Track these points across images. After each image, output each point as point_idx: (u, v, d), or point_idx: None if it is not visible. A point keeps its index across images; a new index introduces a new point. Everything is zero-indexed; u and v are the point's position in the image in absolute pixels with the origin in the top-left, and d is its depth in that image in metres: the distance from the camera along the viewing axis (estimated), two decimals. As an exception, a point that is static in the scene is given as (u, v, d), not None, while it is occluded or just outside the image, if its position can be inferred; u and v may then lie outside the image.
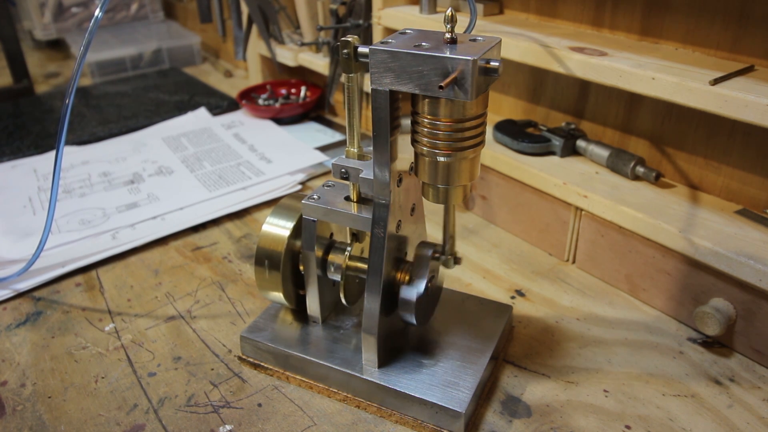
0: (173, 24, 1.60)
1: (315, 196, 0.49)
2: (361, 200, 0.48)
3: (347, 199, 0.49)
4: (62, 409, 0.49)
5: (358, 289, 0.54)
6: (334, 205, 0.48)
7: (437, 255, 0.49)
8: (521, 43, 0.62)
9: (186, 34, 1.48)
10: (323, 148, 0.94)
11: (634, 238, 0.58)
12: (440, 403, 0.45)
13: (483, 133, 0.42)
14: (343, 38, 0.42)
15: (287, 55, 1.06)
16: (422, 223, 0.52)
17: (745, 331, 0.52)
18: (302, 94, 1.10)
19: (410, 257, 0.51)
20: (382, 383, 0.47)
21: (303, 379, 0.51)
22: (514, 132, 0.71)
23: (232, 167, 0.89)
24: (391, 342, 0.50)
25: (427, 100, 0.40)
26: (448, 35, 0.39)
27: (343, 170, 0.47)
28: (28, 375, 0.53)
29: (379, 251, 0.45)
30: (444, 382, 0.47)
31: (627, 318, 0.58)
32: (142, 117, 1.08)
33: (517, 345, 0.55)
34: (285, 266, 0.51)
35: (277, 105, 1.08)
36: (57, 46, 1.66)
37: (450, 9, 0.39)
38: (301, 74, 1.15)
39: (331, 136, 1.00)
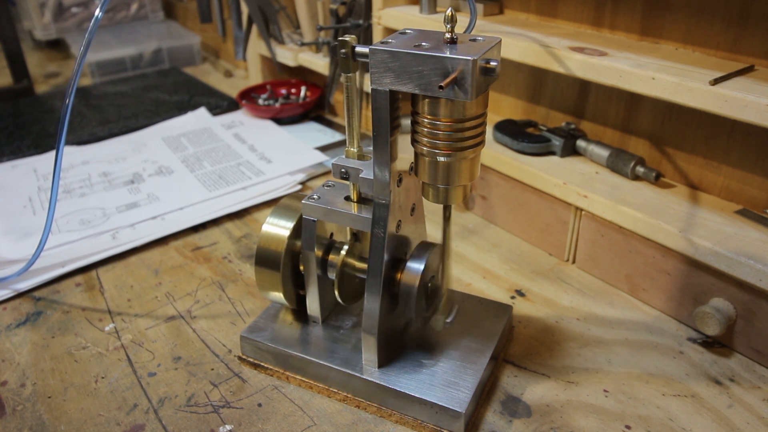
0: (173, 24, 1.60)
1: (315, 196, 0.49)
2: (361, 200, 0.48)
3: (347, 199, 0.49)
4: (62, 409, 0.49)
5: (358, 288, 0.54)
6: (334, 205, 0.48)
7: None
8: (521, 43, 0.62)
9: (186, 34, 1.48)
10: (323, 148, 0.94)
11: (634, 238, 0.58)
12: (440, 403, 0.45)
13: (483, 133, 0.42)
14: (340, 38, 0.42)
15: (287, 55, 1.06)
16: (422, 223, 0.52)
17: (745, 331, 0.52)
18: (302, 94, 1.10)
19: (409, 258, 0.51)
20: (382, 383, 0.47)
21: (303, 379, 0.51)
22: (514, 132, 0.71)
23: (232, 167, 0.89)
24: (391, 342, 0.50)
25: (427, 100, 0.40)
26: (448, 35, 0.39)
27: (343, 170, 0.47)
28: (28, 375, 0.53)
29: (379, 251, 0.45)
30: (444, 382, 0.47)
31: (627, 318, 0.58)
32: (142, 117, 1.08)
33: (517, 345, 0.55)
34: (285, 266, 0.51)
35: (277, 105, 1.08)
36: (57, 46, 1.66)
37: (450, 9, 0.39)
38: (301, 74, 1.15)
39: (331, 136, 1.00)
